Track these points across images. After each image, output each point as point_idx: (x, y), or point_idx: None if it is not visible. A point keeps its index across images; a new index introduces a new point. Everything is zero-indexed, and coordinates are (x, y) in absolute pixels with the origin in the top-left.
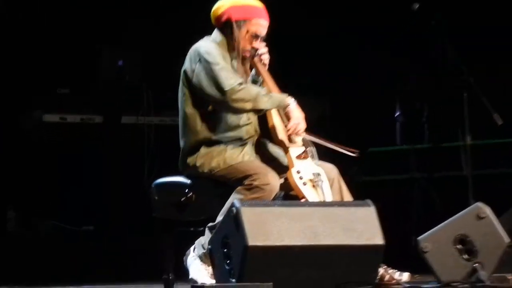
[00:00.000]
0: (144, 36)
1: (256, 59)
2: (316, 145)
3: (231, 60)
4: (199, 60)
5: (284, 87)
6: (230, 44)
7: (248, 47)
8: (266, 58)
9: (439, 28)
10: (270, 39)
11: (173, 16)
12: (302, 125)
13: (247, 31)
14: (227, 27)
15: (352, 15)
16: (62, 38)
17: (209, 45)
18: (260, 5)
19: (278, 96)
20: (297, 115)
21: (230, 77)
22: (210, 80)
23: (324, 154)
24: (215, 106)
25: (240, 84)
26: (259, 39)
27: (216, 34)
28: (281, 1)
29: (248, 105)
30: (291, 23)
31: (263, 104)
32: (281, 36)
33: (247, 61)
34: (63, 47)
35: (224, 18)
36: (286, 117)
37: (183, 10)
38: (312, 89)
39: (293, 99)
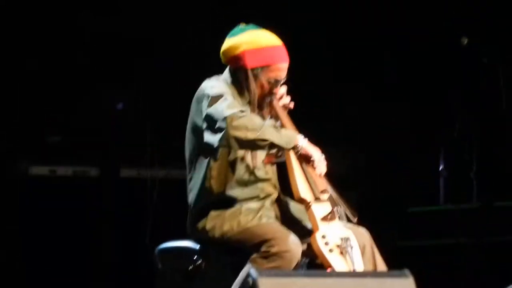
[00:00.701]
0: (147, 75)
1: (275, 102)
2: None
3: (243, 104)
4: (204, 98)
5: (307, 134)
6: (243, 90)
7: (267, 94)
8: (286, 101)
9: (492, 66)
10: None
11: (182, 49)
12: (324, 165)
13: (266, 78)
14: (240, 72)
15: (397, 46)
16: (53, 79)
17: (217, 84)
18: (279, 42)
19: (289, 132)
20: (317, 154)
21: (232, 106)
22: (208, 113)
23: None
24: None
25: (243, 111)
26: (279, 84)
27: (227, 75)
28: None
29: (251, 134)
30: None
31: (269, 134)
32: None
33: (265, 106)
34: (54, 89)
35: (238, 63)
36: (304, 161)
37: (195, 40)
38: (344, 137)
39: (305, 138)
